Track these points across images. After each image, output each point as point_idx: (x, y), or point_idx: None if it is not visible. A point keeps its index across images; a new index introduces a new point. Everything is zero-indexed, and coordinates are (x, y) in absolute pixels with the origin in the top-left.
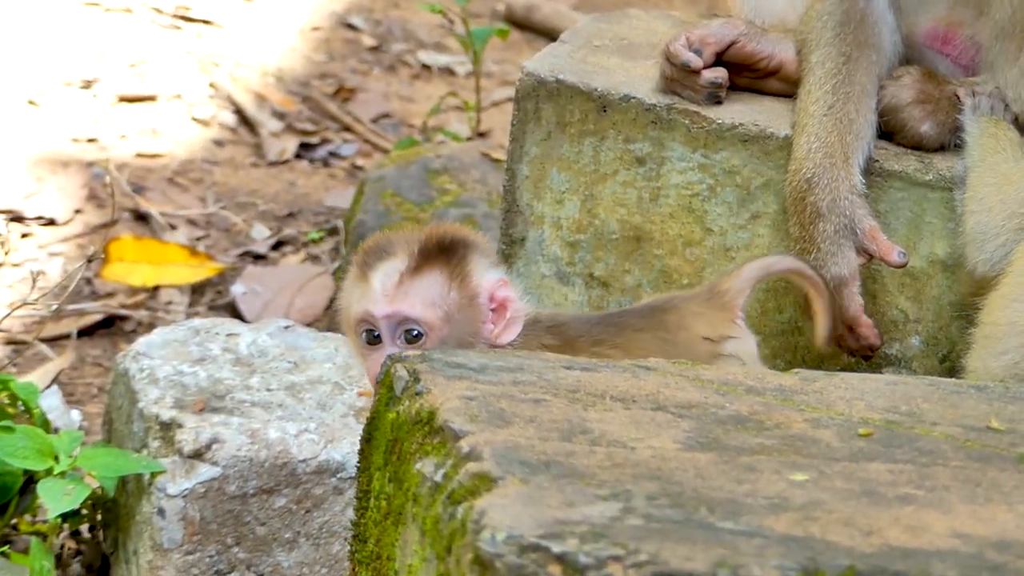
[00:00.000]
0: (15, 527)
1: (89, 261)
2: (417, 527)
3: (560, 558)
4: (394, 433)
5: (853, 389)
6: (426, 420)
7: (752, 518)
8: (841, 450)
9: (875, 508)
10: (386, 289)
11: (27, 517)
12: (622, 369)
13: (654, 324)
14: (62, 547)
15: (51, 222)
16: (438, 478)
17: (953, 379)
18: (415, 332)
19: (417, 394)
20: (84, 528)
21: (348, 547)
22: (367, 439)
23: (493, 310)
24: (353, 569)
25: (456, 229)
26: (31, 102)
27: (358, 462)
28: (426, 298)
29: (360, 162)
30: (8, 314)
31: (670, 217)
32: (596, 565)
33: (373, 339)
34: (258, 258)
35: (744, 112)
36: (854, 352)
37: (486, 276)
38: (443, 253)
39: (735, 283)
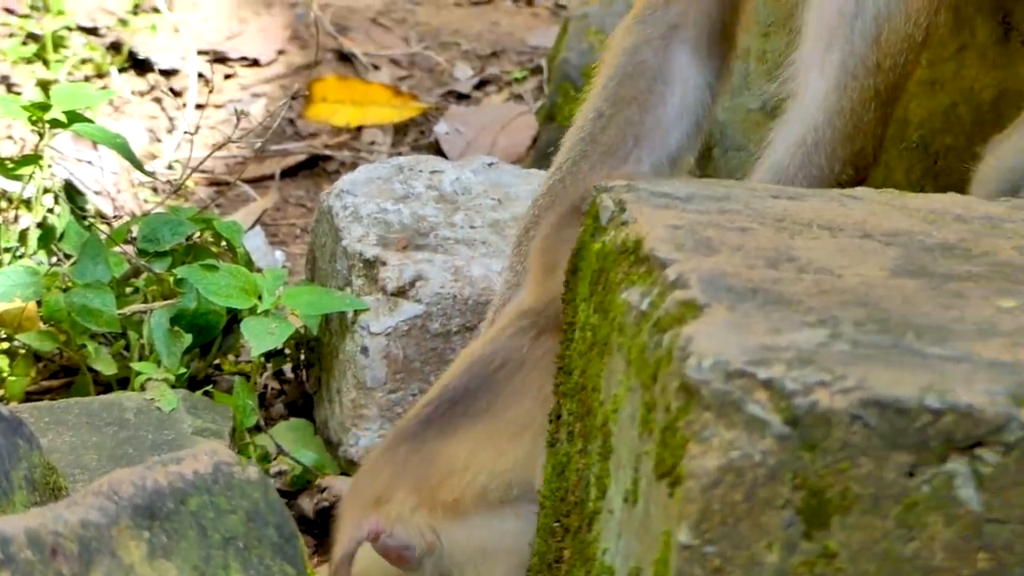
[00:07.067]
0: (219, 367)
1: (293, 99)
2: (623, 356)
3: (767, 384)
4: (600, 263)
5: None
6: (632, 249)
7: (960, 344)
8: None
9: None
10: None
11: (230, 357)
12: (829, 198)
13: None
14: (265, 387)
15: (254, 63)
16: (644, 307)
17: None
18: None
19: (623, 223)
20: (287, 368)
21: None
22: (572, 270)
23: None
24: (557, 402)
25: None
26: None
27: (563, 294)
28: None
29: (563, 1)
30: (210, 154)
31: None
32: (803, 391)
33: None
34: (461, 97)
35: None
36: None
37: None
38: None
39: None
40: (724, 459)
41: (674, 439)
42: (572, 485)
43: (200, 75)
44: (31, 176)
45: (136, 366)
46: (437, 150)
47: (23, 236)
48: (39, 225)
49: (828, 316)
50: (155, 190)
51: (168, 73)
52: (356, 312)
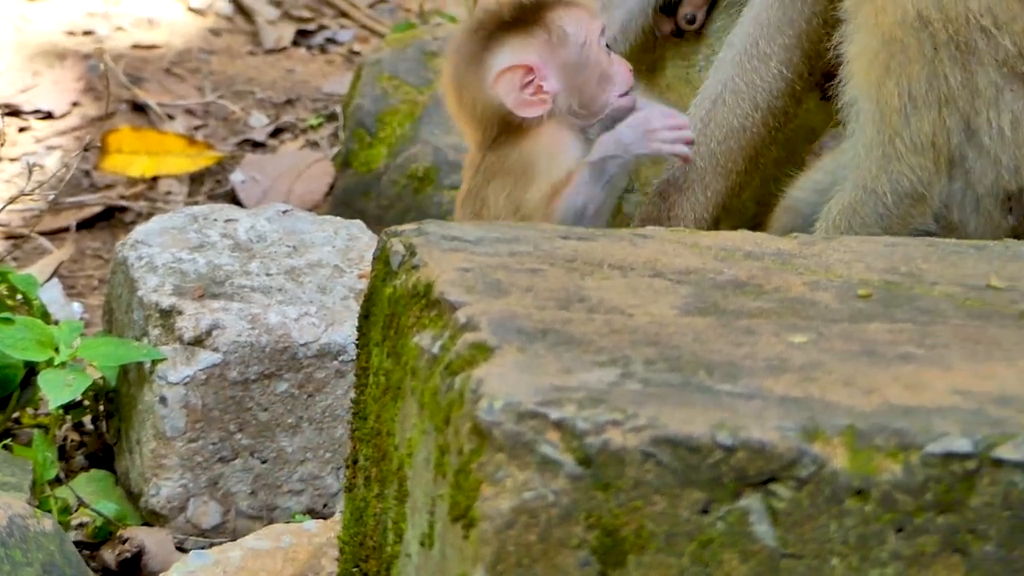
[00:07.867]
0: (17, 420)
1: (86, 150)
2: (416, 400)
3: (558, 424)
4: (391, 308)
5: (852, 251)
6: (423, 293)
7: (751, 380)
8: (840, 312)
9: (875, 367)
10: None
11: (29, 410)
12: (619, 237)
13: None
14: (65, 439)
15: (48, 115)
16: (435, 350)
17: (952, 239)
18: None
19: (414, 267)
20: (86, 419)
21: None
22: (365, 316)
23: None
24: (354, 447)
25: None
26: None
27: (357, 339)
28: None
29: (357, 47)
30: (4, 207)
31: (667, 89)
32: (594, 430)
33: None
34: (257, 146)
35: None
36: None
37: None
38: None
39: None
40: (517, 500)
41: (467, 481)
42: (370, 530)
43: None
44: None
45: None
46: (234, 199)
47: None
48: None
49: (619, 355)
50: None
51: None
52: (154, 362)
